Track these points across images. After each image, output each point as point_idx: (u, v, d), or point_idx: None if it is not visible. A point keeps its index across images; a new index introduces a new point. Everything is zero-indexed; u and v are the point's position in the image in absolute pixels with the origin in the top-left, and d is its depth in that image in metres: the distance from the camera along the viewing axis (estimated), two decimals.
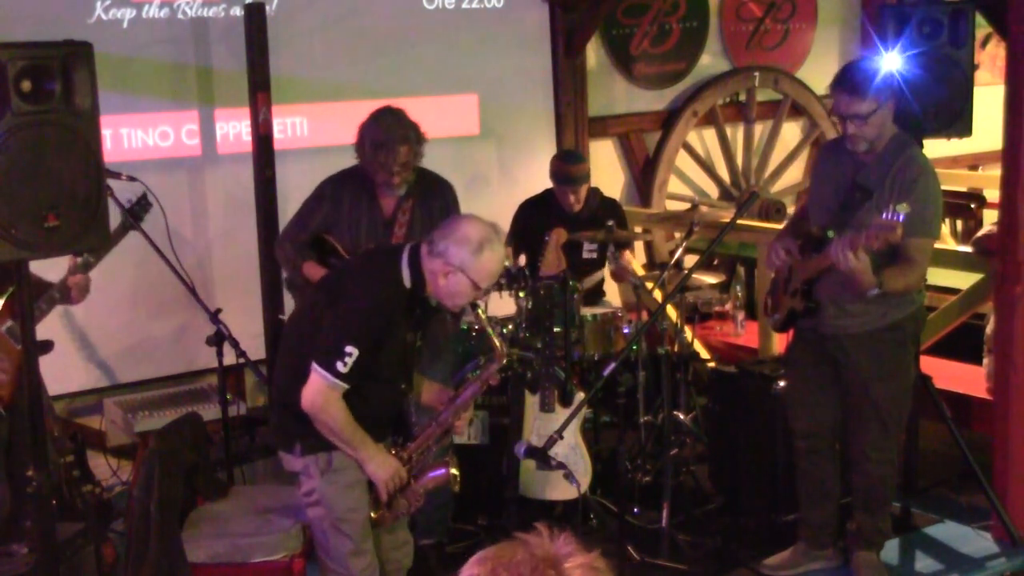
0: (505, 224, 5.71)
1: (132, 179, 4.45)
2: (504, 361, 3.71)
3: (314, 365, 3.45)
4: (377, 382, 3.56)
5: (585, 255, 5.46)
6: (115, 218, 3.94)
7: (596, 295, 5.71)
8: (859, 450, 4.30)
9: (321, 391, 3.45)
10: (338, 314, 3.50)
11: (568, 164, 5.61)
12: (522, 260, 5.59)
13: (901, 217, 3.70)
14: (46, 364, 3.77)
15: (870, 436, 4.26)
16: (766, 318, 4.57)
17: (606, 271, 5.75)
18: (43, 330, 4.09)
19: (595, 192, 5.64)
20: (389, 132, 4.39)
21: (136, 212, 4.40)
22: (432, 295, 3.56)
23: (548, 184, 5.66)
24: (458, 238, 3.47)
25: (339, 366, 3.42)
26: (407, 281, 3.53)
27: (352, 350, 3.41)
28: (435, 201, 4.56)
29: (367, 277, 3.60)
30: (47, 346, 4.15)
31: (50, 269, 4.33)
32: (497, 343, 3.66)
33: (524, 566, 1.52)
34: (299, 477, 3.63)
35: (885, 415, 4.23)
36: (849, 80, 4.08)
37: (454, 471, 3.69)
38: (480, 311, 3.62)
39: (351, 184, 4.56)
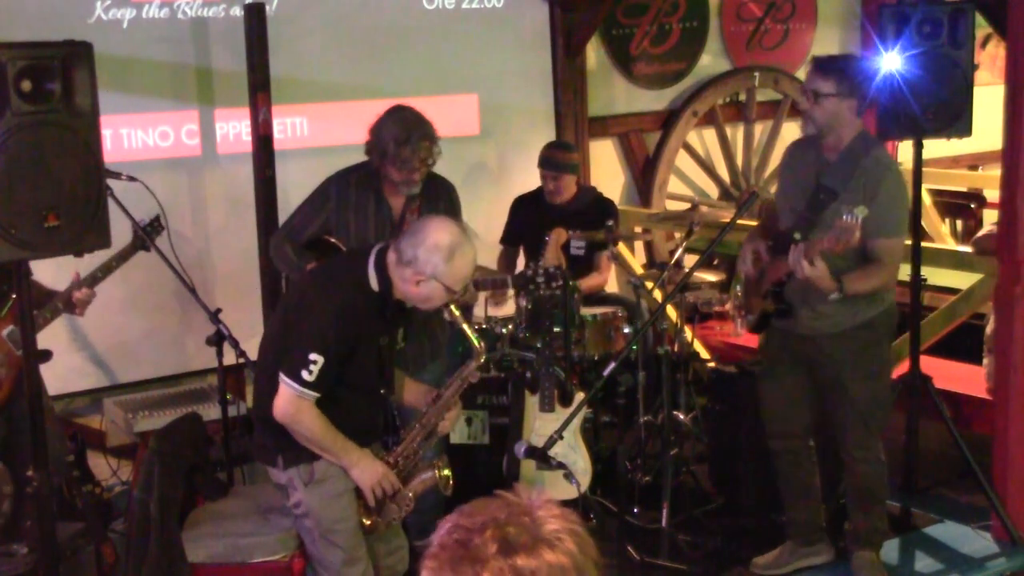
0: (501, 225, 5.74)
1: (132, 179, 4.45)
2: (483, 359, 3.67)
3: (281, 375, 3.42)
4: (353, 388, 3.53)
5: (573, 252, 5.45)
6: (117, 225, 3.94)
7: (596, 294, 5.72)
8: (845, 451, 4.31)
9: (291, 401, 3.42)
10: (302, 323, 3.45)
11: (552, 149, 5.68)
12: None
13: (859, 219, 3.72)
14: (46, 364, 3.78)
15: (852, 436, 4.25)
16: (740, 319, 4.58)
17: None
18: (45, 330, 4.10)
19: (589, 190, 5.66)
20: (411, 128, 4.31)
21: (149, 233, 4.42)
22: (403, 299, 3.51)
23: None
24: (429, 246, 3.39)
25: (304, 375, 3.37)
26: (375, 285, 3.47)
27: (317, 358, 3.36)
28: (440, 202, 4.52)
29: (331, 283, 3.53)
30: (45, 355, 4.15)
31: (58, 276, 4.35)
32: (475, 342, 3.62)
33: (499, 512, 1.56)
34: (286, 490, 3.61)
35: (865, 413, 4.22)
36: (823, 60, 4.17)
37: (446, 473, 3.67)
38: (453, 308, 3.56)
39: (357, 183, 4.49)
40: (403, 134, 4.30)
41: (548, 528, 1.55)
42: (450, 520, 1.59)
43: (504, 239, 5.70)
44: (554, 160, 5.58)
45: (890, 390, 4.41)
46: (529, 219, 5.48)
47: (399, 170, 4.35)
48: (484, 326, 5.01)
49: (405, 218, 4.47)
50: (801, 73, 7.68)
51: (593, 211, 5.48)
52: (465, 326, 3.62)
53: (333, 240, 4.55)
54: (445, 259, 3.39)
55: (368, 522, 3.64)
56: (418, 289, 3.44)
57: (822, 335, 4.20)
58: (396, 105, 4.48)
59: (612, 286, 6.35)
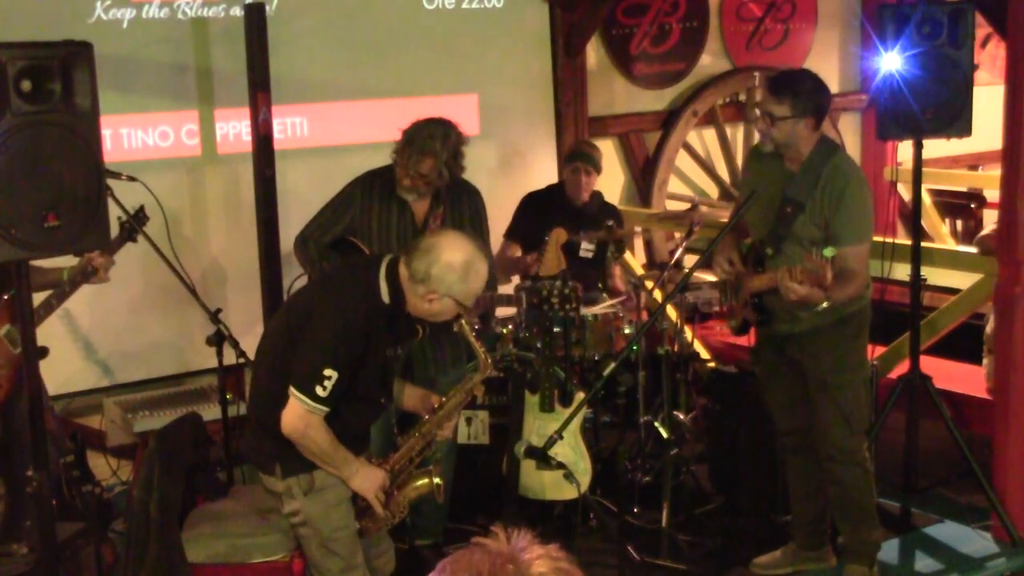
0: (501, 225, 5.74)
1: (132, 179, 4.45)
2: (489, 372, 3.65)
3: (292, 390, 3.36)
4: (357, 399, 3.49)
5: (582, 253, 5.46)
6: (114, 224, 3.94)
7: (596, 291, 5.71)
8: (826, 454, 4.29)
9: (302, 417, 3.37)
10: (315, 336, 3.39)
11: (586, 146, 5.78)
12: (518, 251, 5.60)
13: (828, 260, 3.75)
14: (46, 364, 3.78)
15: (835, 435, 4.24)
16: (728, 321, 4.61)
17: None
18: (44, 330, 4.10)
19: (598, 195, 5.67)
20: (423, 139, 4.30)
21: (134, 224, 4.41)
22: (414, 313, 3.49)
23: (547, 183, 5.68)
24: (443, 265, 3.35)
25: (318, 391, 3.33)
26: (386, 297, 3.43)
27: (331, 373, 3.32)
28: (465, 210, 4.50)
29: (344, 295, 3.46)
30: (42, 352, 4.14)
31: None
32: (482, 355, 3.60)
33: (482, 564, 1.54)
34: (282, 499, 3.57)
35: (846, 409, 4.22)
36: (776, 80, 4.16)
37: (437, 480, 3.65)
38: (463, 323, 3.54)
39: (381, 187, 4.47)
40: (414, 140, 4.31)
41: (534, 572, 1.54)
42: None
43: (510, 234, 5.67)
44: (587, 153, 5.64)
45: (869, 388, 4.41)
46: (540, 218, 5.45)
47: (402, 173, 4.36)
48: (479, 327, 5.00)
49: (428, 225, 4.44)
50: None
51: (602, 215, 5.49)
52: (472, 339, 3.60)
53: (356, 241, 4.53)
54: (460, 278, 3.37)
55: (360, 525, 3.63)
56: (431, 306, 3.42)
57: (803, 332, 4.23)
58: (440, 117, 4.43)
59: None
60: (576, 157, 5.64)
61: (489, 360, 3.63)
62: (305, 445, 3.42)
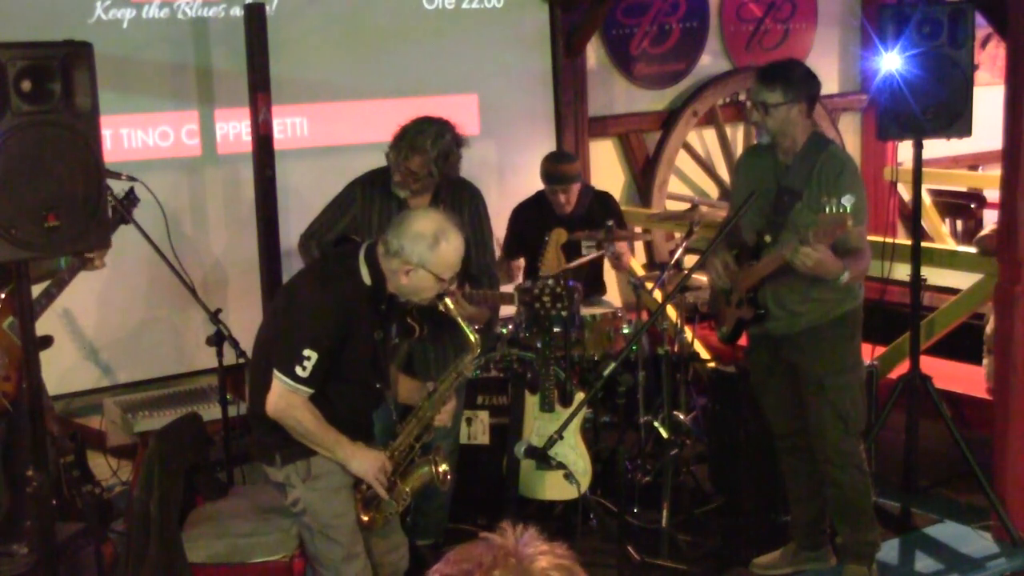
0: (502, 224, 5.74)
1: (132, 179, 4.45)
2: (478, 351, 3.68)
3: (275, 372, 3.45)
4: (347, 383, 3.54)
5: (584, 252, 5.45)
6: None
7: (595, 290, 5.70)
8: (823, 456, 4.28)
9: (283, 396, 3.44)
10: (294, 318, 3.48)
11: (557, 163, 5.62)
12: (520, 263, 5.59)
13: (847, 209, 3.76)
14: (47, 364, 3.77)
15: (832, 437, 4.23)
16: (717, 331, 4.60)
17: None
18: (44, 328, 4.10)
19: (588, 189, 5.65)
20: (413, 136, 4.30)
21: (126, 206, 4.39)
22: (396, 292, 3.54)
23: None
24: (413, 235, 3.43)
25: (298, 370, 3.40)
26: (366, 278, 3.51)
27: (310, 353, 3.39)
28: (465, 210, 4.49)
29: (322, 279, 3.57)
30: (47, 341, 4.15)
31: None
32: (470, 335, 3.63)
33: (485, 556, 1.55)
34: (284, 488, 3.61)
35: (842, 410, 4.21)
36: (766, 70, 4.17)
37: (443, 467, 3.67)
38: (448, 301, 3.57)
39: (382, 185, 4.48)
40: (405, 137, 4.32)
41: (536, 567, 1.54)
42: (436, 570, 1.58)
43: (505, 249, 5.64)
44: (562, 174, 5.52)
45: (864, 388, 4.41)
46: (534, 227, 5.40)
47: (393, 168, 4.36)
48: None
49: None
50: None
51: (596, 210, 5.48)
52: (460, 319, 3.63)
53: (358, 240, 4.52)
54: (430, 246, 3.43)
55: (366, 518, 3.65)
56: (408, 279, 3.47)
57: (798, 332, 4.22)
58: (438, 117, 4.43)
59: (612, 287, 6.34)
60: (550, 180, 5.55)
61: (478, 339, 3.66)
62: (290, 425, 3.48)
